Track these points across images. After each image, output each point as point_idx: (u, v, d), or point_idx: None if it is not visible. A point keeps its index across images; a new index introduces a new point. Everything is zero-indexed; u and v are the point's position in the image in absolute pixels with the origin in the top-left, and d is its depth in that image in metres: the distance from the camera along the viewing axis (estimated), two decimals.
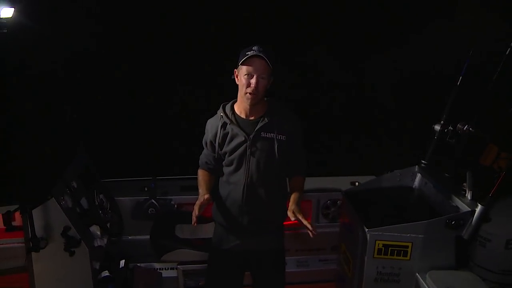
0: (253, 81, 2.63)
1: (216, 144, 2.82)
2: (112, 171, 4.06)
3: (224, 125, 2.79)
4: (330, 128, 5.23)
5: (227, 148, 2.79)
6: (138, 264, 3.87)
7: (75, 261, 3.19)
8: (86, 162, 3.73)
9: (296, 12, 4.79)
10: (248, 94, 2.65)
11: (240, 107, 2.79)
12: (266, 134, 2.74)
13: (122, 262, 3.61)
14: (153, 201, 3.90)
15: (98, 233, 3.39)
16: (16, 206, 3.05)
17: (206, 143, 2.91)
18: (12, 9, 2.55)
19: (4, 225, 3.74)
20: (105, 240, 3.41)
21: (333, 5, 4.74)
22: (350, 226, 3.51)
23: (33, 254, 3.11)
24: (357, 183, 4.14)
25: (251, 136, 2.73)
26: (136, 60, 4.42)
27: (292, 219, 2.57)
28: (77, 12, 4.13)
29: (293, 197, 2.73)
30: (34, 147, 3.11)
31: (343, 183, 4.19)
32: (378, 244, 3.11)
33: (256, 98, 2.66)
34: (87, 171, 3.67)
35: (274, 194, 2.83)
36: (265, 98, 2.77)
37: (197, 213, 2.61)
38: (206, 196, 2.66)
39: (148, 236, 3.72)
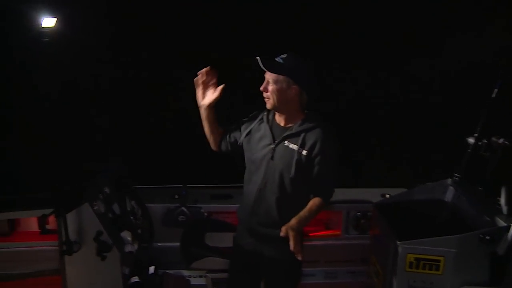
0: (264, 84, 2.74)
1: (245, 132, 2.91)
2: (144, 178, 4.12)
3: (260, 121, 2.89)
4: (361, 139, 5.20)
5: (253, 145, 2.85)
6: (167, 271, 3.90)
7: (106, 266, 3.23)
8: (119, 169, 3.79)
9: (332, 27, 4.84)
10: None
11: (277, 113, 2.85)
12: (290, 144, 2.77)
13: (151, 269, 3.64)
14: (183, 208, 3.93)
15: (129, 238, 3.43)
16: (51, 210, 3.12)
17: (242, 122, 3.00)
18: (55, 19, 2.63)
19: (39, 228, 3.83)
20: (136, 246, 3.45)
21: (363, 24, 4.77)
22: (381, 238, 3.47)
23: (66, 257, 3.17)
24: (387, 195, 4.10)
25: (276, 142, 2.78)
26: (169, 69, 4.49)
27: (281, 234, 2.52)
28: (113, 24, 4.24)
29: (298, 214, 2.68)
30: (70, 153, 3.19)
31: (373, 195, 4.14)
32: (410, 257, 3.06)
33: (270, 103, 2.75)
34: (119, 177, 3.72)
35: (286, 205, 2.82)
36: (305, 111, 2.82)
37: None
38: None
39: (177, 243, 3.75)
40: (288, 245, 2.59)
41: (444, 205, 3.65)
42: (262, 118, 2.90)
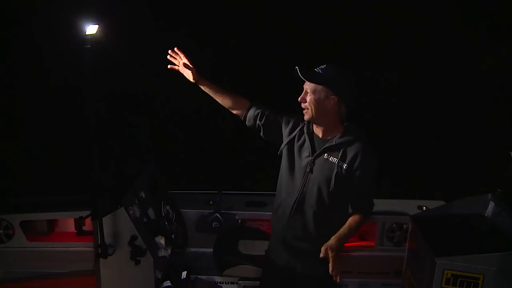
0: (302, 94, 2.72)
1: (286, 134, 2.87)
2: (179, 183, 4.15)
3: (301, 131, 2.84)
4: (399, 149, 5.13)
5: (292, 154, 2.81)
6: (200, 277, 3.91)
7: (140, 270, 3.27)
8: (154, 174, 3.83)
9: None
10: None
11: (315, 125, 2.82)
12: (329, 157, 2.72)
13: (184, 274, 3.66)
14: (217, 215, 3.94)
15: (163, 243, 3.46)
16: (88, 212, 3.17)
17: (280, 114, 2.95)
18: (97, 26, 2.68)
19: (76, 229, 3.90)
20: (169, 251, 3.47)
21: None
22: (417, 252, 3.40)
23: (101, 259, 3.21)
24: (424, 208, 4.02)
25: (315, 154, 2.74)
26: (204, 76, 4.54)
27: (321, 255, 2.50)
28: (152, 29, 4.32)
29: (338, 232, 2.64)
30: (108, 159, 3.24)
31: (410, 206, 4.07)
32: (447, 273, 2.98)
33: (308, 113, 2.72)
34: (155, 182, 3.76)
35: (324, 219, 2.77)
36: (344, 123, 2.79)
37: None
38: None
39: (211, 249, 3.76)
40: (323, 262, 2.57)
41: (484, 220, 3.55)
42: (302, 129, 2.85)
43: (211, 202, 4.07)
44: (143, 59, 4.25)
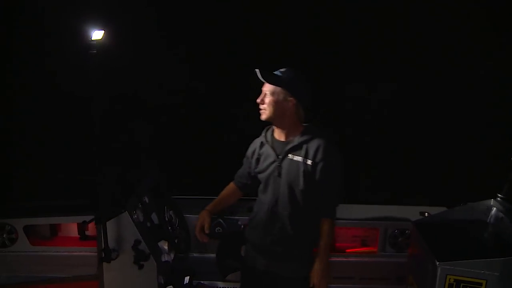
0: (261, 96, 2.80)
1: (252, 161, 2.96)
2: (182, 188, 4.17)
3: (261, 145, 2.93)
4: (400, 155, 5.14)
5: (260, 167, 2.90)
6: (202, 282, 3.92)
7: (142, 274, 3.28)
8: (158, 179, 3.84)
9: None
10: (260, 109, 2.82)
11: (275, 128, 2.91)
12: (294, 157, 2.78)
13: (186, 279, 3.66)
14: (220, 220, 3.94)
15: (166, 248, 3.47)
16: (91, 217, 3.18)
17: (244, 158, 3.07)
18: (102, 32, 2.71)
19: (79, 234, 3.91)
20: (172, 256, 3.48)
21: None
22: (419, 257, 3.40)
23: (104, 264, 3.22)
24: (426, 214, 4.02)
25: (280, 157, 2.80)
26: (210, 81, 4.57)
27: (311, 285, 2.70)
28: (158, 35, 4.35)
29: (317, 256, 2.78)
30: (112, 163, 3.25)
31: (412, 212, 4.07)
32: (449, 279, 2.98)
33: (266, 114, 2.79)
34: (158, 187, 3.77)
35: (299, 220, 2.82)
36: (304, 124, 2.87)
37: (198, 229, 2.94)
38: (203, 213, 2.97)
39: (213, 255, 3.75)
40: (304, 263, 2.81)
41: (486, 226, 3.56)
42: (262, 141, 2.95)
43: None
44: (148, 64, 4.28)
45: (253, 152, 2.98)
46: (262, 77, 2.72)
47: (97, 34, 2.70)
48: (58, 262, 3.85)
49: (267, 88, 2.78)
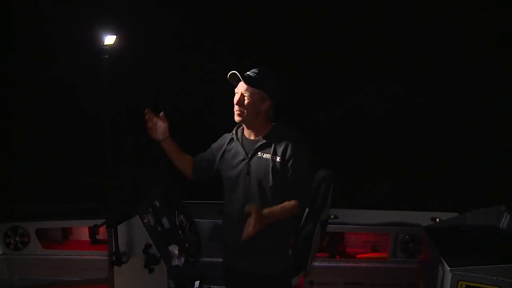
0: (236, 97, 2.78)
1: (218, 154, 2.97)
2: (193, 193, 4.17)
3: (231, 141, 2.94)
4: (412, 161, 5.13)
5: (226, 164, 2.90)
6: (212, 286, 3.91)
7: (153, 278, 3.27)
8: (169, 183, 3.85)
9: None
10: (235, 111, 2.80)
11: (245, 128, 2.90)
12: (263, 155, 2.80)
13: (196, 283, 3.65)
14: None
15: (176, 252, 3.47)
16: (102, 221, 3.20)
17: (209, 149, 3.07)
18: (115, 37, 2.73)
19: (90, 237, 3.93)
20: (182, 260, 3.48)
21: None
22: (430, 263, 3.38)
23: (115, 267, 3.23)
24: (437, 219, 4.00)
25: (249, 155, 2.81)
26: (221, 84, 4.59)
27: (245, 209, 2.59)
28: (169, 39, 4.38)
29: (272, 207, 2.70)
30: (123, 167, 3.27)
31: (423, 218, 4.05)
32: (461, 285, 2.96)
33: (241, 115, 2.78)
34: (169, 191, 3.78)
35: None
36: (273, 122, 2.87)
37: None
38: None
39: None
40: (281, 258, 2.88)
41: (499, 231, 3.53)
42: (232, 138, 2.95)
43: (224, 212, 4.07)
44: (160, 69, 4.31)
45: (221, 146, 2.99)
46: (244, 80, 2.73)
47: (109, 39, 2.73)
48: (70, 265, 3.88)
49: (244, 89, 2.77)
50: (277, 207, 2.70)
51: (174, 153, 3.04)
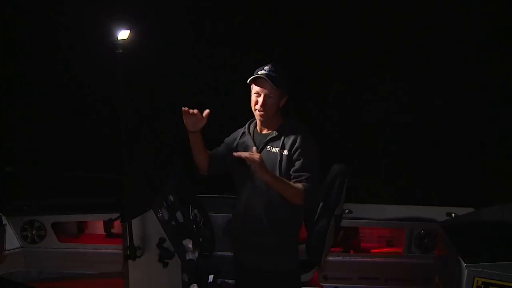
0: (260, 99, 2.76)
1: (231, 148, 2.96)
2: (206, 187, 4.19)
3: (243, 135, 2.97)
4: (427, 156, 5.08)
5: (237, 158, 2.80)
6: (226, 280, 3.92)
7: (167, 272, 3.29)
8: (183, 177, 3.86)
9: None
10: (257, 111, 2.80)
11: (259, 123, 2.90)
12: (272, 148, 2.81)
13: (211, 277, 3.65)
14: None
15: (190, 246, 3.48)
16: (117, 215, 3.22)
17: (223, 144, 3.09)
18: (128, 31, 2.73)
19: (105, 231, 3.97)
20: (196, 254, 3.49)
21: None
22: (446, 259, 3.35)
23: (130, 261, 3.25)
24: (453, 215, 3.97)
25: (259, 149, 2.80)
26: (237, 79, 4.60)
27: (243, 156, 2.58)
28: (183, 34, 4.38)
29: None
30: (138, 162, 3.28)
31: (438, 213, 4.02)
32: (477, 281, 2.93)
33: (266, 115, 2.78)
34: (183, 185, 3.79)
35: (275, 211, 2.81)
36: (283, 116, 2.87)
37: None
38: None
39: None
40: (287, 257, 2.88)
41: None
42: (244, 132, 2.98)
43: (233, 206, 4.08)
44: (174, 64, 4.30)
45: (233, 140, 3.00)
46: (272, 82, 2.70)
47: (123, 34, 2.72)
48: (85, 258, 3.92)
49: (268, 90, 2.74)
50: (281, 178, 2.71)
51: (198, 146, 3.01)
